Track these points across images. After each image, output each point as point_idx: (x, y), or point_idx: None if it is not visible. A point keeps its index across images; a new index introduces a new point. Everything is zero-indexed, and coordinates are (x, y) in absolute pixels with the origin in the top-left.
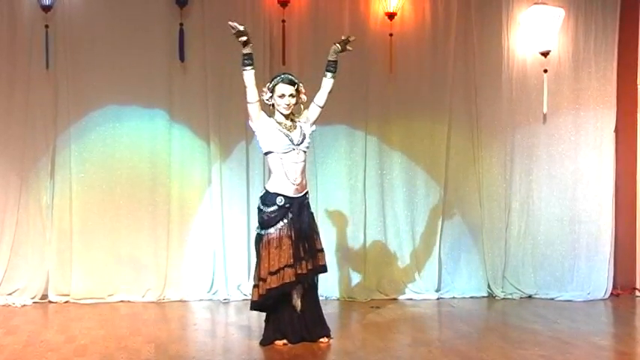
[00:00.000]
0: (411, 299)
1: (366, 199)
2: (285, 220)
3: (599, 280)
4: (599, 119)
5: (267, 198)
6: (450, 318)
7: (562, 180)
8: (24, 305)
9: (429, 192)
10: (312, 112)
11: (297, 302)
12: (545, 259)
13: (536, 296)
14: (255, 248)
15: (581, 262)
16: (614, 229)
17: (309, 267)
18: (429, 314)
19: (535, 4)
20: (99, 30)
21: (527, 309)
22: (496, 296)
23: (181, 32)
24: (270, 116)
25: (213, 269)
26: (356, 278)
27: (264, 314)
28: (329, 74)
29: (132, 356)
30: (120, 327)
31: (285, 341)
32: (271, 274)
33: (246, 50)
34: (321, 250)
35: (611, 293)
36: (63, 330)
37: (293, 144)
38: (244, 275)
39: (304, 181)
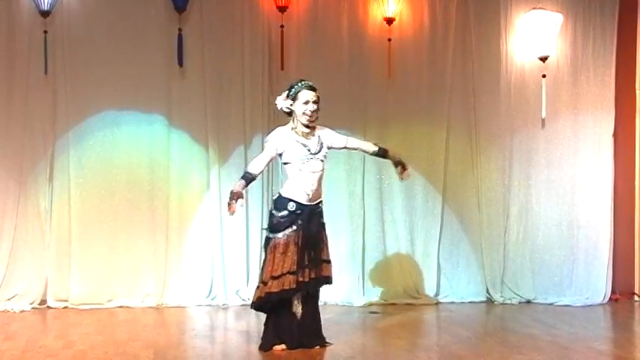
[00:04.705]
0: (409, 304)
1: (365, 204)
2: (294, 227)
3: (598, 285)
4: (597, 124)
5: (280, 202)
6: (449, 323)
7: (561, 185)
8: (22, 311)
9: (428, 197)
10: (337, 142)
11: (298, 309)
12: (543, 264)
13: (535, 301)
14: (264, 251)
15: (579, 267)
16: (612, 233)
17: (312, 276)
18: (428, 319)
19: (533, 9)
20: (97, 35)
21: (525, 314)
22: (495, 301)
23: (180, 37)
24: (285, 124)
25: (211, 274)
26: (355, 283)
27: (263, 320)
28: (377, 149)
29: None
30: (119, 332)
31: (283, 346)
32: (273, 278)
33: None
34: (328, 262)
35: (610, 298)
36: (62, 335)
37: (310, 153)
38: (243, 280)
39: (319, 190)
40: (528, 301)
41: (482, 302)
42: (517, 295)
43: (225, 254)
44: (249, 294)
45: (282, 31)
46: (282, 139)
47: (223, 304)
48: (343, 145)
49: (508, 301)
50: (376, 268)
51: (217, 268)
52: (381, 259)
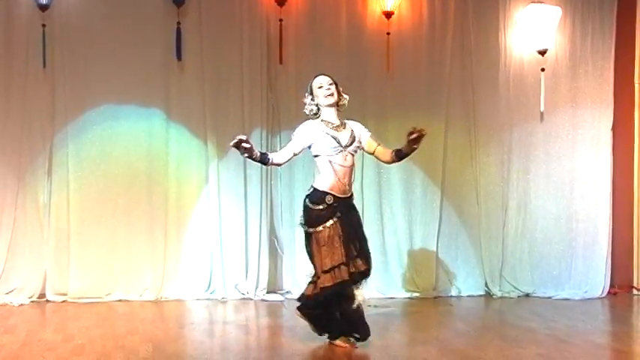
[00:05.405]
0: (408, 298)
1: (364, 197)
2: (335, 218)
3: (597, 279)
4: (596, 118)
5: (316, 196)
6: (448, 317)
7: (559, 178)
8: (21, 304)
9: (427, 191)
10: (365, 141)
11: (358, 297)
12: (542, 258)
13: (534, 295)
14: (306, 247)
15: (578, 260)
16: (611, 227)
17: (362, 267)
18: (427, 313)
19: (532, 2)
20: (96, 29)
21: (524, 307)
22: (493, 295)
23: (178, 31)
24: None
25: (210, 268)
26: None
27: (262, 314)
28: (395, 156)
29: (129, 355)
30: (117, 326)
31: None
32: (324, 272)
33: (256, 157)
34: (370, 253)
35: (609, 292)
36: (60, 329)
37: (341, 146)
38: (242, 274)
39: (351, 184)
40: (527, 295)
41: (480, 296)
42: (516, 288)
43: (224, 248)
44: (248, 288)
45: (280, 25)
46: (311, 131)
47: (222, 298)
48: (371, 151)
49: (507, 295)
50: (375, 261)
51: (216, 262)
52: (380, 252)
